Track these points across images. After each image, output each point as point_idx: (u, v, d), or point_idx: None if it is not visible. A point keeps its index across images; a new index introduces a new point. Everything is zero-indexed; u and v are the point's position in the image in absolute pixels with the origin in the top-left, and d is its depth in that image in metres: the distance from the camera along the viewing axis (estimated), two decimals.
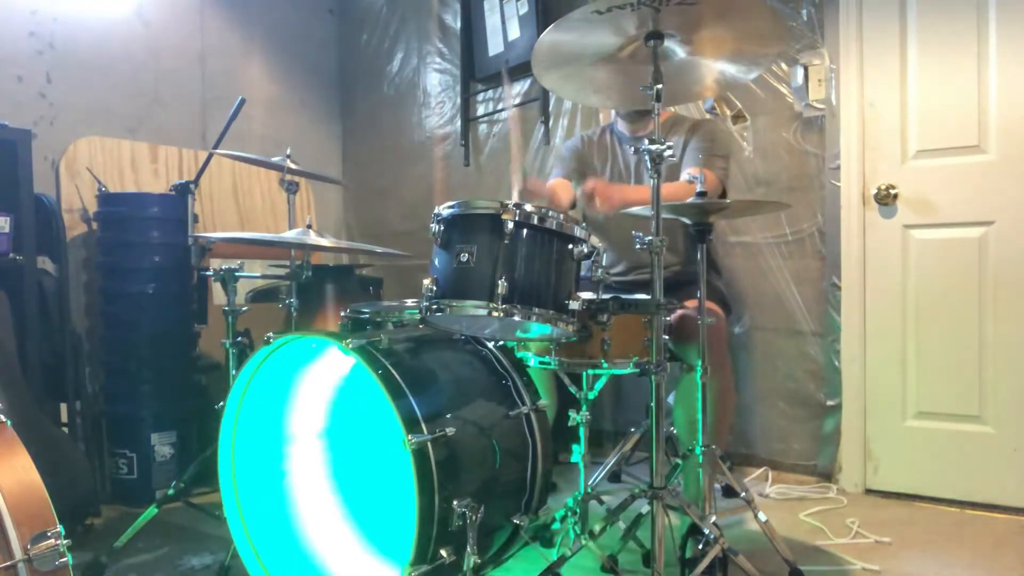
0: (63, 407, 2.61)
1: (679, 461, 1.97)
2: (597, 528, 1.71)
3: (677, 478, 2.02)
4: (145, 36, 3.38)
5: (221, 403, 1.78)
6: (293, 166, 2.17)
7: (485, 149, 3.66)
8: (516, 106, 3.49)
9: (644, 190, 2.09)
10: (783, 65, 2.70)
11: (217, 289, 3.07)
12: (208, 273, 2.22)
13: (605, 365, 1.69)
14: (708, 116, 2.85)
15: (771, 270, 2.77)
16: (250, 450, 1.81)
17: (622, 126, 2.51)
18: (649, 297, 1.61)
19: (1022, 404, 2.33)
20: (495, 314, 1.46)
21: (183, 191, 2.42)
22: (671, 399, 2.30)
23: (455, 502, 1.44)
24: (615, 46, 1.67)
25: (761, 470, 2.77)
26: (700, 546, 1.65)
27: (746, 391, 2.86)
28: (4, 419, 1.10)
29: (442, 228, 1.54)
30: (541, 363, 1.79)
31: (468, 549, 1.44)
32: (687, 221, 1.83)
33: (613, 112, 2.58)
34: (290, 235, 1.85)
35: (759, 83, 2.73)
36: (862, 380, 2.59)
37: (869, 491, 2.58)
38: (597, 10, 1.52)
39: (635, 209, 2.02)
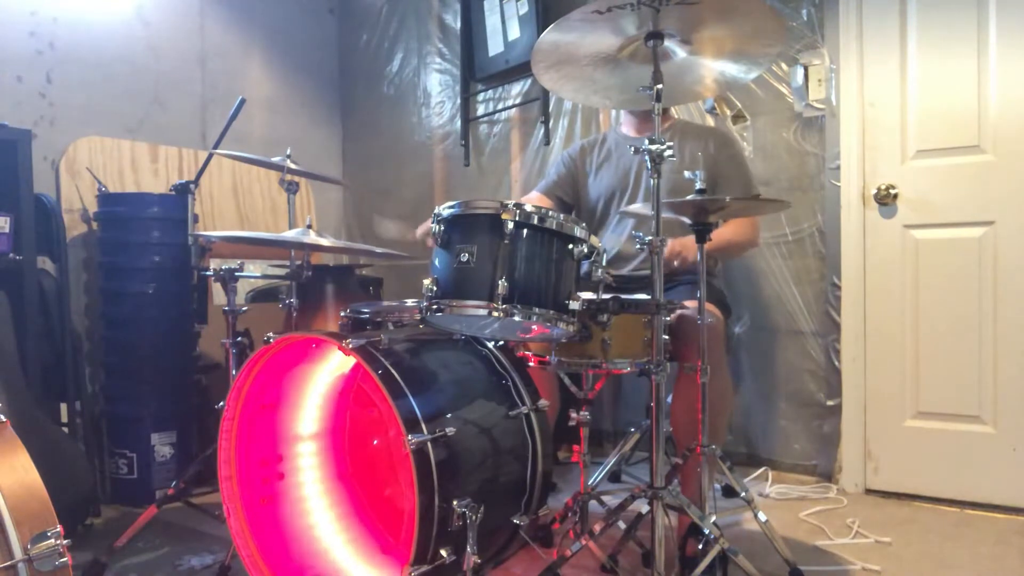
0: (63, 407, 2.61)
1: (678, 461, 1.97)
2: (597, 528, 1.71)
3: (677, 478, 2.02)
4: (145, 36, 3.38)
5: (221, 403, 1.78)
6: (293, 166, 2.17)
7: (485, 149, 3.66)
8: (516, 106, 3.49)
9: (715, 236, 2.23)
10: (783, 65, 2.70)
11: (217, 289, 3.07)
12: (208, 273, 2.22)
13: (605, 365, 1.69)
14: (710, 118, 2.86)
15: (771, 270, 2.77)
16: (250, 450, 1.81)
17: (627, 127, 2.52)
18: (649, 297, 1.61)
19: (1022, 404, 2.33)
20: (495, 314, 1.46)
21: (183, 191, 2.42)
22: (671, 399, 2.30)
23: (455, 502, 1.44)
24: (615, 46, 1.67)
25: (761, 470, 2.77)
26: (700, 546, 1.65)
27: (746, 391, 2.86)
28: (4, 418, 1.10)
29: (442, 228, 1.54)
30: (541, 363, 1.79)
31: (468, 549, 1.44)
32: (687, 221, 1.83)
33: (622, 113, 2.60)
34: (290, 235, 1.85)
35: (759, 83, 2.73)
36: (862, 380, 2.59)
37: (869, 491, 2.58)
38: (597, 10, 1.52)
39: (635, 208, 2.03)
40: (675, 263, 2.10)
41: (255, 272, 3.13)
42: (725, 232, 2.34)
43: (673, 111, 2.58)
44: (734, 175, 2.37)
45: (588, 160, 2.55)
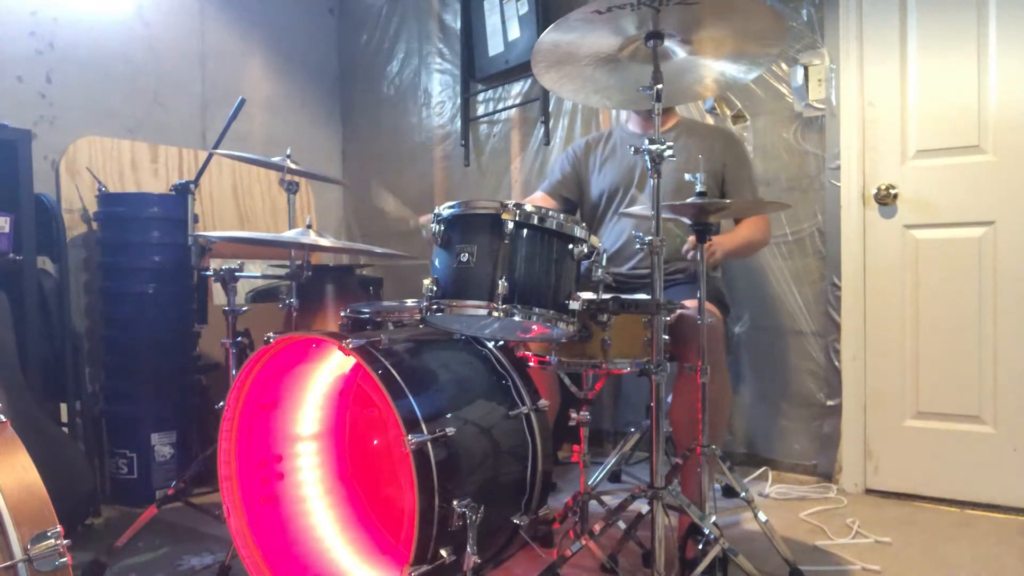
0: (63, 407, 2.61)
1: (678, 461, 1.97)
2: (597, 528, 1.71)
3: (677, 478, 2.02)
4: (145, 36, 3.38)
5: (221, 403, 1.78)
6: (293, 166, 2.17)
7: (485, 149, 3.66)
8: (516, 106, 3.49)
9: (736, 235, 2.31)
10: (783, 65, 2.70)
11: (217, 289, 3.07)
12: (208, 273, 2.22)
13: (605, 365, 1.69)
14: (710, 117, 2.86)
15: (771, 270, 2.77)
16: (250, 450, 1.81)
17: (634, 124, 2.52)
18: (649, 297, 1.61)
19: (1022, 404, 2.33)
20: (495, 314, 1.46)
21: (183, 191, 2.42)
22: (671, 399, 2.30)
23: (455, 502, 1.44)
24: (615, 46, 1.67)
25: (761, 470, 2.77)
26: (700, 546, 1.65)
27: (746, 391, 2.86)
28: (4, 419, 1.10)
29: (442, 228, 1.54)
30: (541, 363, 1.79)
31: (468, 549, 1.44)
32: (687, 221, 1.83)
33: (624, 112, 2.60)
34: (290, 235, 1.85)
35: (759, 83, 2.73)
36: (862, 380, 2.59)
37: (869, 491, 2.58)
38: (597, 10, 1.52)
39: (635, 209, 2.03)
40: (719, 256, 2.16)
41: (255, 272, 3.13)
42: (743, 231, 2.34)
43: (677, 109, 2.57)
44: (742, 175, 2.38)
45: (592, 156, 2.55)
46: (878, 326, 2.56)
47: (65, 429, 2.58)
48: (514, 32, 3.33)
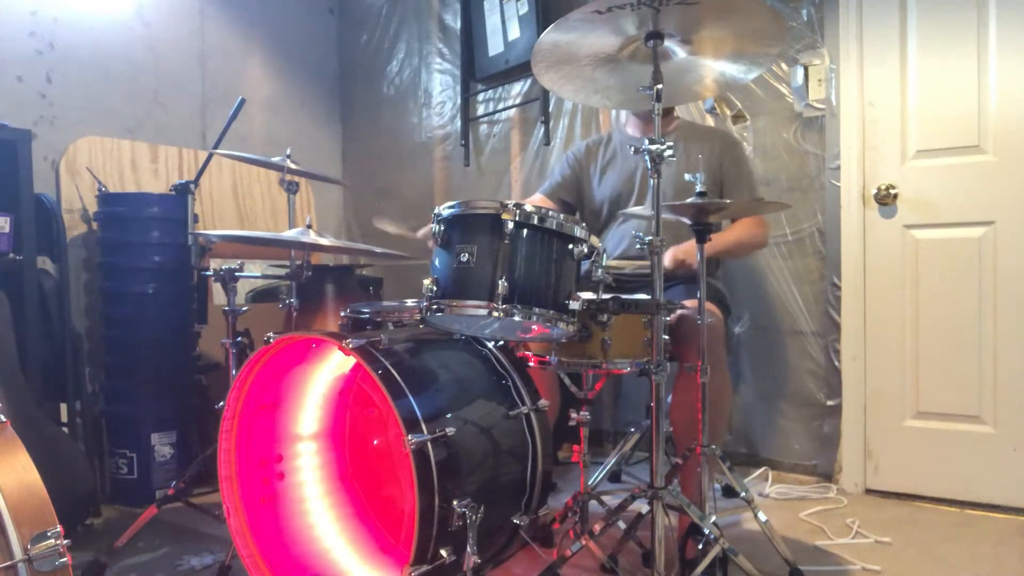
0: (63, 407, 2.61)
1: (678, 461, 1.97)
2: (597, 528, 1.71)
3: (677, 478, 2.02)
4: (145, 36, 3.38)
5: (221, 403, 1.78)
6: (293, 166, 2.17)
7: (485, 149, 3.66)
8: (516, 106, 3.49)
9: (726, 236, 2.31)
10: (783, 65, 2.70)
11: (217, 289, 3.07)
12: (208, 273, 2.22)
13: (605, 365, 1.69)
14: (710, 118, 2.86)
15: (771, 270, 2.77)
16: (250, 450, 1.81)
17: (633, 128, 2.52)
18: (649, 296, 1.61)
19: (1022, 404, 2.33)
20: (495, 314, 1.46)
21: (183, 191, 2.42)
22: (671, 399, 2.30)
23: (455, 502, 1.43)
24: (615, 46, 1.67)
25: (761, 470, 2.77)
26: (700, 546, 1.65)
27: (746, 391, 2.86)
28: (4, 419, 1.10)
29: (442, 228, 1.54)
30: (541, 363, 1.79)
31: (468, 549, 1.44)
32: (687, 221, 1.84)
33: (624, 114, 2.59)
34: (290, 235, 1.85)
35: (759, 83, 2.73)
36: (862, 380, 2.59)
37: (869, 491, 2.58)
38: (597, 10, 1.52)
39: (636, 209, 2.03)
40: (679, 272, 2.11)
41: (255, 272, 3.13)
42: (735, 232, 2.34)
43: (677, 111, 2.57)
44: (739, 177, 2.38)
45: (593, 162, 2.55)
46: (878, 326, 2.57)
47: (65, 429, 2.58)
48: (514, 32, 3.33)
